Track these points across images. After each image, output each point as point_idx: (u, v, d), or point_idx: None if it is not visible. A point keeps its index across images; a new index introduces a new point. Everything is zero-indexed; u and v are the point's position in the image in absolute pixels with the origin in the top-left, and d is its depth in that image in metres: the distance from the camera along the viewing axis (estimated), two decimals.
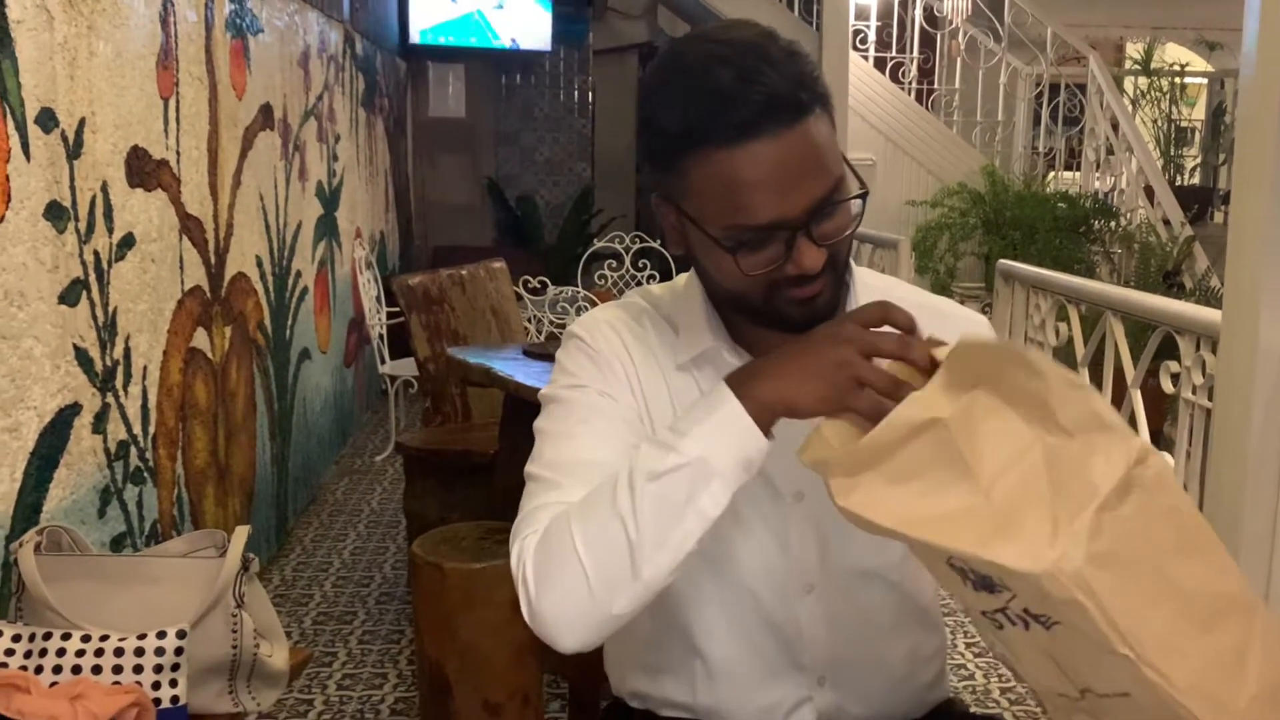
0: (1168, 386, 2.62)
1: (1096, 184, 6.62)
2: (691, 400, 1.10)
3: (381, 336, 5.44)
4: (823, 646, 1.21)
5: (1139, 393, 2.78)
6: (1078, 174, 7.08)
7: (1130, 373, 2.82)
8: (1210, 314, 2.45)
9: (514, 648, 2.50)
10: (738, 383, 1.02)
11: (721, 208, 1.06)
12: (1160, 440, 2.99)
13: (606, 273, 6.33)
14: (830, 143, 1.07)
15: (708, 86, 1.03)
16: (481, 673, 2.50)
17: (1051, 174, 7.24)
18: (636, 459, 1.03)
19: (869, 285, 1.23)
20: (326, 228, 5.18)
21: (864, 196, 1.10)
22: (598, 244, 6.59)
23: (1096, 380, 3.01)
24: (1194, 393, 2.51)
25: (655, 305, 1.26)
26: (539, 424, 1.20)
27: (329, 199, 5.26)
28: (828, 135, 1.07)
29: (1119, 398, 2.88)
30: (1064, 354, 3.44)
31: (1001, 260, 3.82)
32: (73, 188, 2.21)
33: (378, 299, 5.51)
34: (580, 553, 1.02)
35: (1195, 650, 0.87)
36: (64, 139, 2.18)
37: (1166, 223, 5.72)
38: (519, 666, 2.52)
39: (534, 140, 9.55)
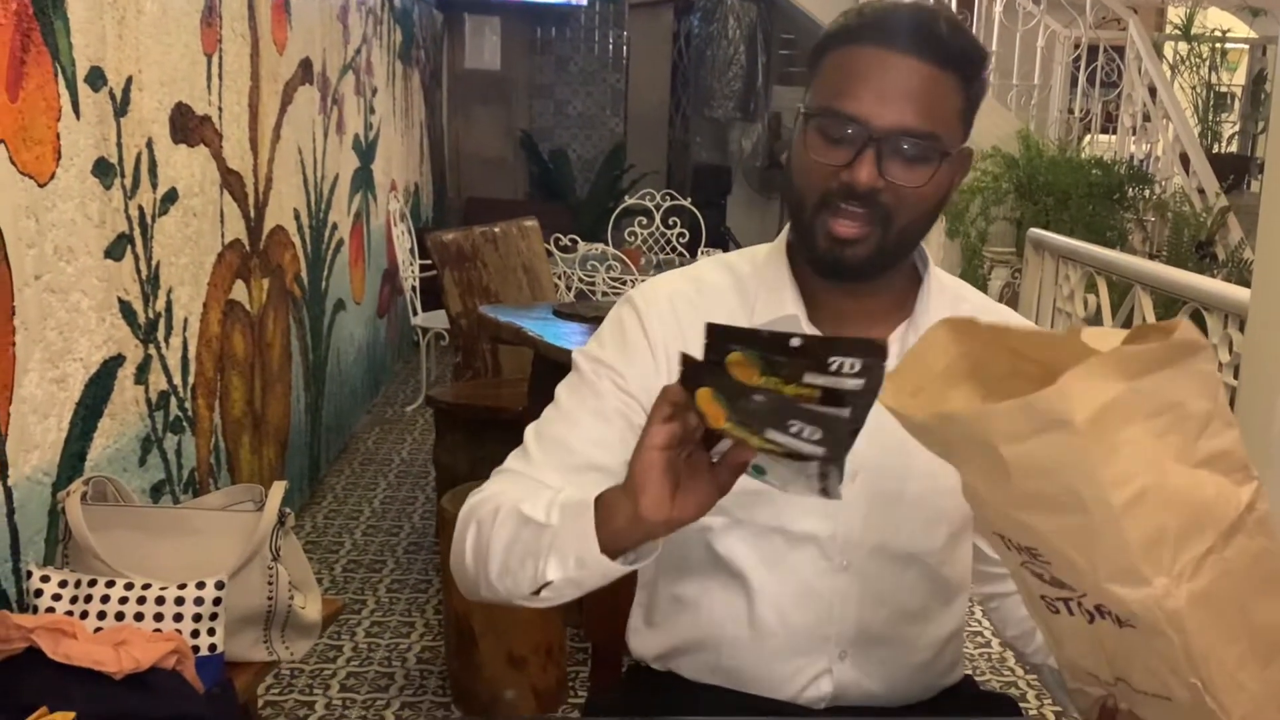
0: None
1: (1132, 149, 6.57)
2: None
3: (414, 289, 5.50)
4: (850, 623, 1.24)
5: None
6: (1113, 137, 7.00)
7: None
8: (1239, 292, 2.46)
9: None
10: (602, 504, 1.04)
11: (827, 89, 1.15)
12: None
13: (637, 230, 6.35)
14: (948, 109, 1.13)
15: (882, 11, 1.15)
16: (506, 626, 2.57)
17: (1087, 137, 7.17)
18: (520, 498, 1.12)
19: (943, 281, 1.28)
20: (362, 180, 5.23)
21: (944, 195, 1.15)
22: (629, 200, 6.60)
23: None
24: (1220, 370, 2.53)
25: (731, 274, 1.28)
26: (560, 386, 1.27)
27: (365, 152, 5.30)
28: (950, 102, 1.13)
29: None
30: (1092, 325, 3.45)
31: (1032, 230, 3.82)
32: (119, 145, 2.26)
33: (411, 251, 5.56)
34: (465, 544, 1.18)
35: (1254, 683, 0.90)
36: (112, 97, 2.22)
37: (1201, 192, 5.67)
38: (543, 621, 2.59)
39: (567, 94, 9.53)
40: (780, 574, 1.23)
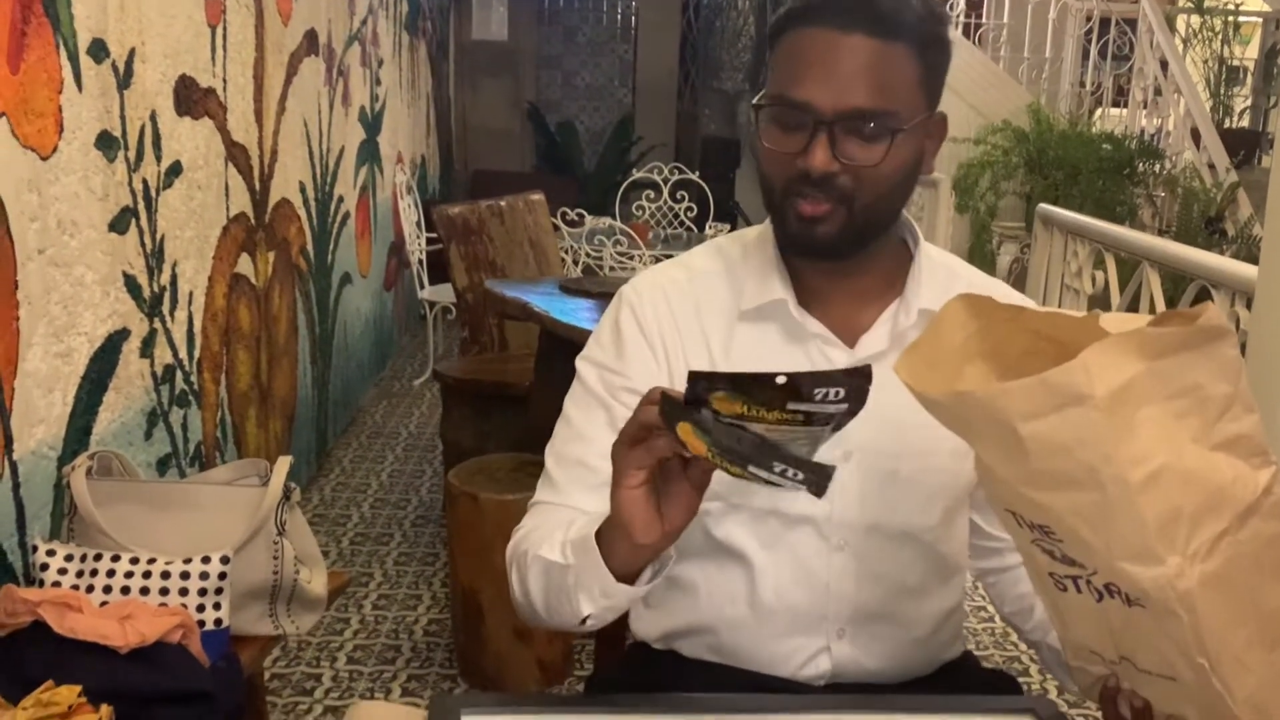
0: None
1: (1143, 123, 6.52)
2: (754, 350, 1.21)
3: (421, 262, 5.49)
4: (848, 601, 1.24)
5: None
6: (1124, 111, 6.96)
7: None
8: (1246, 269, 2.45)
9: None
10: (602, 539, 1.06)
11: (778, 77, 1.15)
12: None
13: (644, 203, 6.33)
14: (900, 79, 1.12)
15: None
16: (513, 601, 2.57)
17: (1098, 110, 7.12)
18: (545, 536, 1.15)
19: (933, 257, 1.27)
20: (368, 153, 5.21)
21: (895, 135, 1.13)
22: (637, 174, 6.58)
23: None
24: None
25: (721, 259, 1.29)
26: (568, 400, 1.28)
27: (371, 124, 5.28)
28: (903, 74, 1.12)
29: None
30: (1100, 302, 3.44)
31: (1041, 205, 3.80)
32: (123, 117, 2.25)
33: (418, 224, 5.55)
34: (515, 588, 1.21)
35: (1260, 665, 0.90)
36: (114, 69, 2.21)
37: (1211, 167, 5.63)
38: None
39: (575, 65, 9.49)
40: (777, 555, 1.23)
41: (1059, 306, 3.59)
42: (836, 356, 1.22)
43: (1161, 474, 0.84)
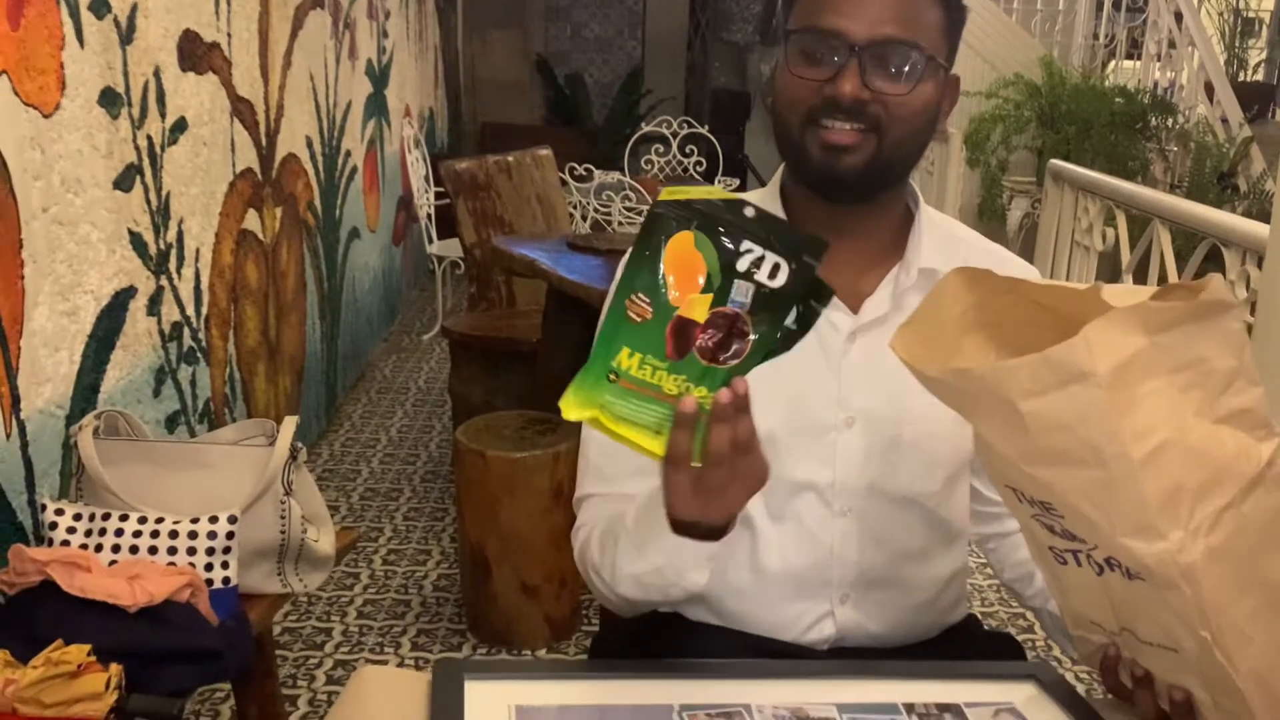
0: None
1: (1156, 75, 6.45)
2: None
3: (429, 216, 5.47)
4: (851, 566, 1.24)
5: None
6: (1138, 63, 6.87)
7: (1174, 281, 2.80)
8: (1258, 228, 2.42)
9: (552, 533, 2.58)
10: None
11: (806, 8, 1.15)
12: None
13: (654, 158, 6.30)
14: (928, 21, 1.14)
15: None
16: (520, 555, 2.59)
17: (1112, 63, 7.04)
18: (619, 550, 1.16)
19: (934, 219, 1.27)
20: (376, 106, 5.18)
21: (923, 69, 1.13)
22: (645, 127, 6.53)
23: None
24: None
25: None
26: None
27: (378, 77, 5.24)
28: (929, 14, 1.14)
29: None
30: (1110, 258, 3.41)
31: (1052, 161, 3.76)
32: (125, 73, 2.23)
33: (426, 179, 5.52)
34: (599, 588, 1.22)
35: (1262, 635, 0.90)
36: (116, 24, 2.19)
37: (1225, 121, 5.58)
38: (556, 551, 2.60)
39: (584, 16, 9.41)
40: (781, 521, 1.23)
41: (1069, 263, 3.57)
42: (841, 322, 1.22)
43: (1164, 449, 0.84)
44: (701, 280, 0.88)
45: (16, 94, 1.80)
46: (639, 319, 0.88)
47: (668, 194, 0.89)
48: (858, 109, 1.12)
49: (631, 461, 1.17)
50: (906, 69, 1.12)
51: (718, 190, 0.91)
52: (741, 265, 0.89)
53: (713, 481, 0.95)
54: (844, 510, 1.23)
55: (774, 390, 1.20)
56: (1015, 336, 0.97)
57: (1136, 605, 0.92)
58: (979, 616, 1.41)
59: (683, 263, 0.88)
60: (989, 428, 0.92)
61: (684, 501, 0.99)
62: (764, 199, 1.26)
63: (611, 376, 0.88)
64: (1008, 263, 1.29)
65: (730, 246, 0.89)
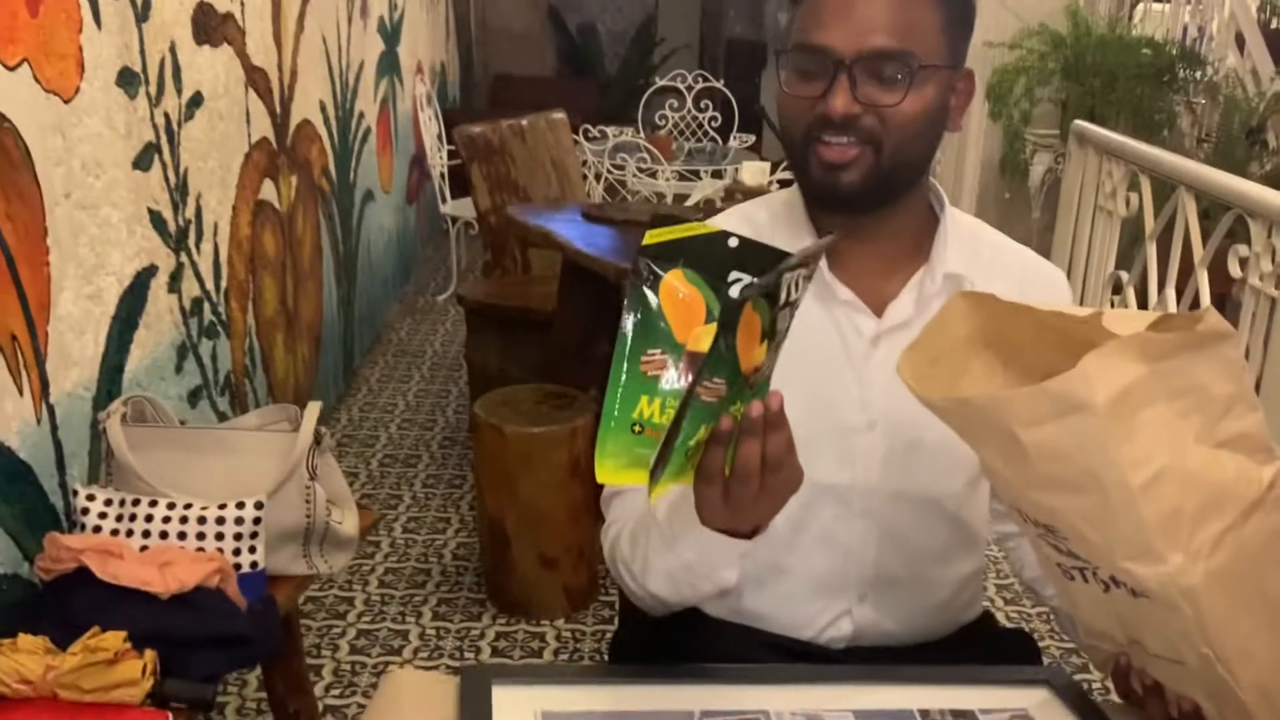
0: (1235, 270, 2.59)
1: (1186, 20, 6.33)
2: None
3: (443, 175, 5.45)
4: (870, 566, 1.26)
5: (1205, 273, 2.75)
6: (1167, 7, 6.75)
7: (1199, 251, 2.78)
8: None
9: (570, 506, 2.61)
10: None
11: (800, 25, 1.15)
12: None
13: (668, 113, 6.26)
14: (922, 24, 1.12)
15: None
16: (538, 528, 2.62)
17: (1140, 7, 6.92)
18: (650, 545, 1.16)
19: (959, 221, 1.27)
20: (388, 64, 5.16)
21: (915, 75, 1.12)
22: (660, 81, 6.49)
23: (1164, 257, 2.98)
24: (1261, 279, 2.49)
25: (748, 224, 1.27)
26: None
27: (390, 34, 5.21)
28: (924, 17, 1.12)
29: (1185, 275, 2.86)
30: (1133, 225, 3.39)
31: (1076, 122, 3.72)
32: (142, 52, 2.24)
33: (439, 138, 5.50)
34: (630, 585, 1.22)
35: (1264, 652, 0.91)
36: (132, 3, 2.19)
37: (1255, 74, 5.49)
38: (574, 524, 2.64)
39: None
40: (800, 521, 1.24)
41: (1091, 227, 3.55)
42: (864, 325, 1.22)
43: (1163, 475, 0.85)
44: (702, 312, 0.89)
45: (38, 81, 1.81)
46: (658, 372, 0.87)
47: (650, 237, 0.89)
48: (850, 123, 1.12)
49: None
50: (899, 78, 1.12)
51: (700, 225, 0.91)
52: (735, 291, 0.89)
53: (742, 496, 0.96)
54: (864, 511, 1.24)
55: (796, 391, 1.20)
56: (1023, 354, 0.98)
57: (1142, 620, 0.94)
58: (993, 613, 1.43)
59: (679, 301, 0.88)
60: (991, 454, 0.94)
61: (713, 513, 1.00)
62: (788, 203, 1.26)
63: (636, 429, 0.87)
64: (1033, 264, 1.30)
65: (720, 277, 0.89)
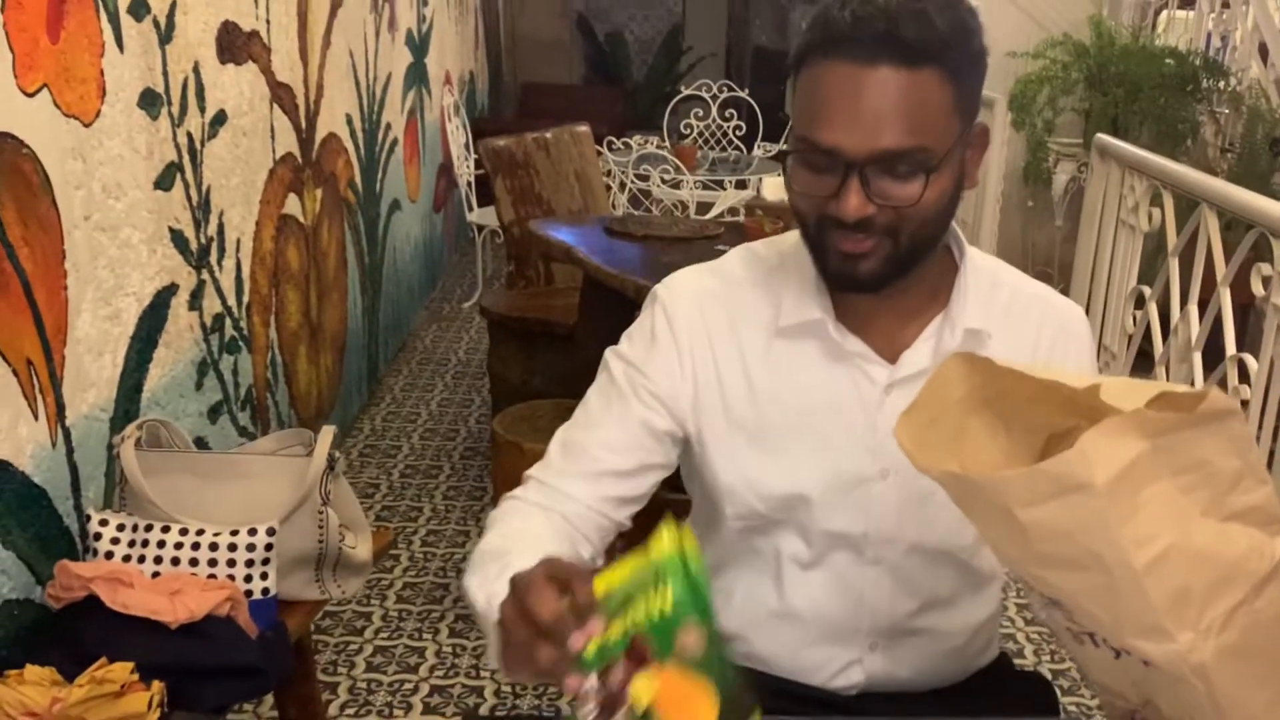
0: (1258, 289, 2.56)
1: (1209, 27, 6.28)
2: (791, 367, 1.20)
3: (470, 184, 5.47)
4: (882, 615, 1.24)
5: (1228, 290, 2.72)
6: (1191, 14, 6.69)
7: (1221, 269, 2.75)
8: None
9: None
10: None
11: (802, 115, 1.09)
12: (1245, 341, 2.93)
13: (693, 121, 6.25)
14: (932, 108, 1.05)
15: (843, 7, 1.06)
16: None
17: (1164, 14, 6.87)
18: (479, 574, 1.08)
19: (978, 266, 1.23)
20: (416, 75, 5.18)
21: (954, 194, 1.09)
22: (685, 90, 6.48)
23: (1186, 274, 2.95)
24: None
25: (758, 268, 1.25)
26: (592, 388, 1.27)
27: (419, 46, 5.23)
28: (934, 100, 1.05)
29: (1208, 293, 2.83)
30: (1154, 240, 3.36)
31: (1099, 135, 3.69)
32: (165, 73, 2.25)
33: (466, 147, 5.52)
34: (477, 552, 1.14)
35: None
36: (156, 25, 2.20)
37: (1279, 85, 5.44)
38: None
39: None
40: (812, 568, 1.23)
41: (1114, 241, 3.52)
42: (877, 374, 1.19)
43: (1168, 554, 0.83)
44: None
45: (57, 106, 1.83)
46: None
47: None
48: (865, 223, 1.08)
49: (583, 466, 1.21)
50: (913, 175, 1.06)
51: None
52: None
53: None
54: (877, 559, 1.23)
55: (809, 440, 1.20)
56: (1023, 414, 0.96)
57: (1154, 686, 0.92)
58: (1009, 655, 1.41)
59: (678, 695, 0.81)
60: (989, 530, 0.92)
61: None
62: (800, 247, 1.20)
63: None
64: (1051, 306, 1.26)
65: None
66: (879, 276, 1.12)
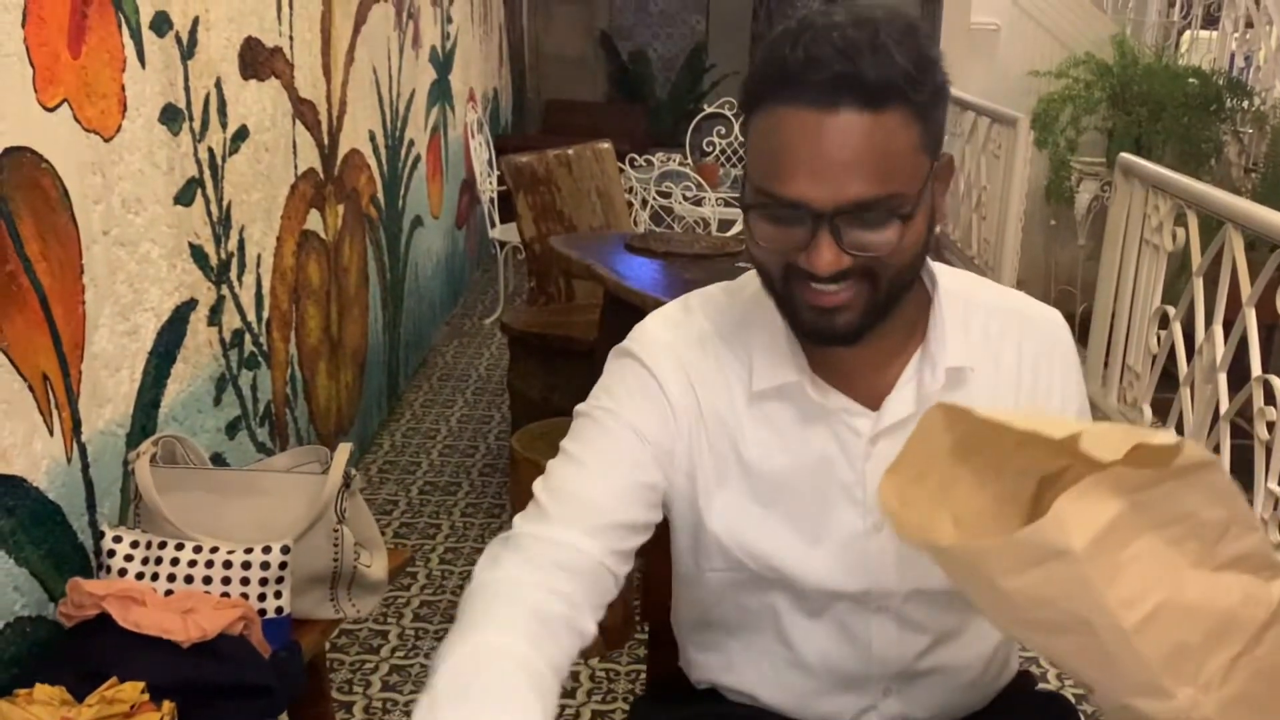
0: None
1: (1233, 47, 6.25)
2: (771, 427, 1.14)
3: (492, 200, 5.48)
4: (893, 662, 1.20)
5: (1254, 310, 2.69)
6: (1214, 34, 6.66)
7: (1245, 289, 2.72)
8: None
9: None
10: None
11: (761, 165, 1.02)
12: (1270, 361, 2.90)
13: (715, 139, 6.26)
14: (900, 151, 0.98)
15: (803, 50, 0.97)
16: None
17: (1187, 34, 6.84)
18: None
19: (951, 291, 1.16)
20: (440, 92, 5.19)
21: (926, 236, 1.03)
22: (708, 108, 6.49)
23: (1210, 294, 2.92)
24: None
25: (724, 321, 1.18)
26: (564, 442, 1.16)
27: (442, 63, 5.25)
28: (902, 144, 0.98)
29: (1233, 313, 2.80)
30: (1178, 260, 3.33)
31: (1122, 155, 3.67)
32: (187, 88, 2.26)
33: (489, 163, 5.53)
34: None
35: None
36: (178, 40, 2.21)
37: None
38: None
39: None
40: (817, 620, 1.20)
41: (1138, 261, 3.49)
42: (861, 426, 1.14)
43: (1159, 612, 0.81)
44: None
45: (77, 120, 1.83)
46: None
47: None
48: (840, 275, 1.01)
49: (583, 518, 1.08)
50: (886, 222, 0.99)
51: None
52: None
53: None
54: (881, 609, 1.19)
55: (796, 499, 1.15)
56: (1011, 459, 0.93)
57: None
58: (1032, 673, 1.38)
59: None
60: (976, 597, 0.91)
61: None
62: (760, 302, 1.14)
63: None
64: (1028, 316, 1.20)
65: None
66: (858, 328, 1.06)
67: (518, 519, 1.13)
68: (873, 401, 1.14)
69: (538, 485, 1.14)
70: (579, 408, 1.18)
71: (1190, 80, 5.65)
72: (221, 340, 2.48)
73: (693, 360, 1.17)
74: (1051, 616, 0.83)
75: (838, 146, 0.97)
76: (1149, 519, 0.81)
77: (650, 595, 1.51)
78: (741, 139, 6.23)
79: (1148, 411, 3.38)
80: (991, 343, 1.16)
